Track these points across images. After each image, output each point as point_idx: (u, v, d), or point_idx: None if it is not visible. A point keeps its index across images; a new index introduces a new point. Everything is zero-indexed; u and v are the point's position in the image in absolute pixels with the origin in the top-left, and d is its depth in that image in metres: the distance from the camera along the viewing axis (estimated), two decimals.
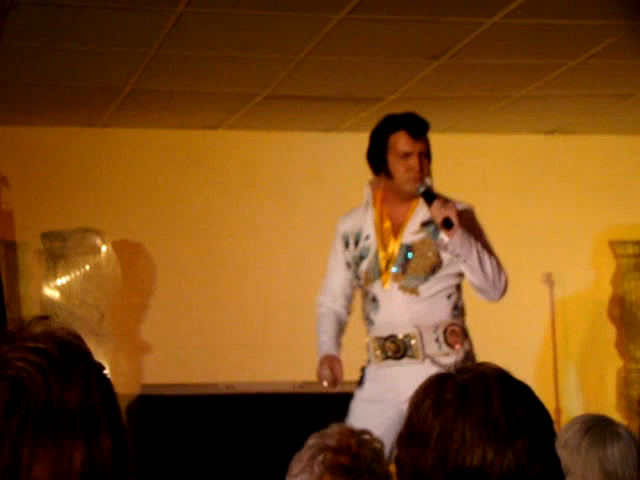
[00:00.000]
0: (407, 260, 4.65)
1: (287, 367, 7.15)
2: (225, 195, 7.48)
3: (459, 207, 4.61)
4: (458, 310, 4.74)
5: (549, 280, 7.40)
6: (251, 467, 6.46)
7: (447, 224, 4.46)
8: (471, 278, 4.64)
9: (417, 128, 4.73)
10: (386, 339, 4.65)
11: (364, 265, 4.74)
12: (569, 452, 2.79)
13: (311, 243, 7.35)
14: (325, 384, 4.77)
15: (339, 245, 4.85)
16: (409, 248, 4.67)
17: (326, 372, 4.73)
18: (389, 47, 5.91)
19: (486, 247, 4.65)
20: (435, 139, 7.43)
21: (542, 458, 1.79)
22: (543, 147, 7.83)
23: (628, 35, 5.76)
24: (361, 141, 7.44)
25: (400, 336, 4.63)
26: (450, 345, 4.62)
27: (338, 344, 4.84)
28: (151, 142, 7.38)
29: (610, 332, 7.61)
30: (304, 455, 2.79)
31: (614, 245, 7.49)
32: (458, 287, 4.74)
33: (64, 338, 1.45)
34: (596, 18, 5.57)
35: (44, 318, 1.47)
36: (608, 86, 6.81)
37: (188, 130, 7.40)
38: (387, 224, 4.75)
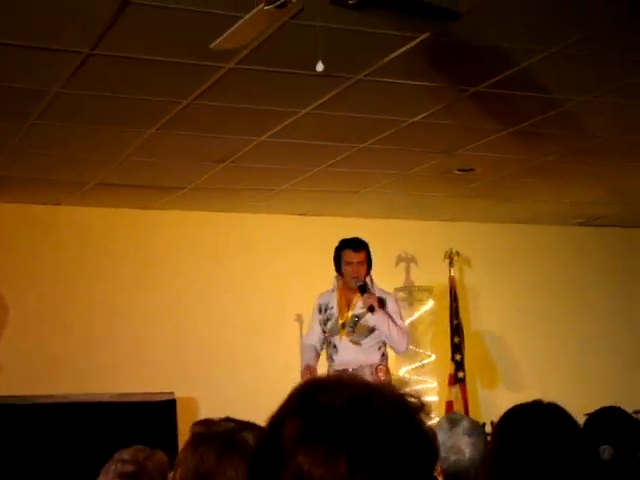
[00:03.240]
0: (355, 324, 5.53)
1: (109, 381, 6.99)
2: (65, 254, 7.22)
3: (383, 295, 5.59)
4: (384, 356, 5.57)
5: (299, 319, 7.38)
6: (79, 461, 6.22)
7: (371, 309, 5.43)
8: (384, 338, 5.51)
9: (355, 246, 5.56)
10: (341, 371, 5.44)
11: (329, 324, 5.62)
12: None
13: (124, 289, 7.27)
14: None
15: (316, 311, 5.73)
16: (357, 317, 5.54)
17: (307, 376, 5.34)
18: (188, 153, 5.90)
19: (395, 321, 5.53)
20: (224, 218, 7.52)
21: None
22: (297, 225, 7.85)
23: (361, 150, 5.94)
24: (168, 217, 7.51)
25: (350, 370, 5.43)
26: (378, 377, 5.43)
27: (315, 360, 5.70)
28: (7, 214, 7.08)
29: None
30: (106, 464, 2.74)
31: None
32: (384, 343, 5.58)
33: None
34: (330, 140, 5.74)
35: None
36: (342, 185, 6.95)
37: (38, 205, 7.14)
38: (343, 301, 5.63)
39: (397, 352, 5.68)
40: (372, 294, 5.52)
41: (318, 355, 5.74)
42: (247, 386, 7.29)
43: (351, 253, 5.55)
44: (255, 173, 6.46)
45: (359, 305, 5.60)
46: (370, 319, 5.48)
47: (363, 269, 5.56)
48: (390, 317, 5.54)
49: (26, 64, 4.17)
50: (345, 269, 5.57)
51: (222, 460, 1.83)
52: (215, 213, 7.57)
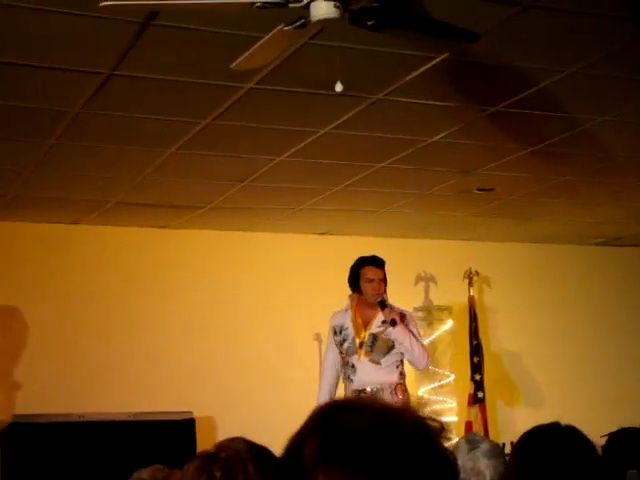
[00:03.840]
0: (374, 343, 5.52)
1: (127, 400, 6.96)
2: (83, 273, 7.21)
3: (401, 311, 5.58)
4: (402, 375, 5.59)
5: (318, 338, 7.32)
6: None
7: (393, 323, 5.42)
8: (405, 354, 5.51)
9: (377, 263, 5.55)
10: (361, 391, 5.50)
11: (345, 345, 5.61)
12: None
13: (142, 308, 7.23)
14: None
15: (331, 334, 5.72)
16: (375, 336, 5.53)
17: None
18: (207, 173, 5.91)
19: (415, 337, 5.54)
20: (243, 237, 7.42)
21: None
22: (316, 244, 7.85)
23: (380, 170, 5.94)
24: (187, 236, 7.45)
25: (369, 390, 5.49)
26: (397, 396, 5.44)
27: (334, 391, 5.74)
28: (27, 233, 7.09)
29: None
30: None
31: None
32: (402, 361, 5.59)
33: None
34: (349, 160, 5.73)
35: None
36: (362, 204, 6.93)
37: (56, 224, 7.11)
38: (359, 320, 5.62)
39: (417, 368, 5.68)
40: (393, 308, 5.53)
41: (335, 387, 5.77)
42: (266, 406, 7.27)
43: (373, 270, 5.55)
44: (274, 192, 6.46)
45: (376, 323, 5.57)
46: (391, 333, 5.46)
47: (383, 287, 5.57)
48: (411, 332, 5.54)
49: (47, 85, 4.17)
50: (365, 287, 5.56)
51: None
52: (233, 232, 7.55)
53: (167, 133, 5.00)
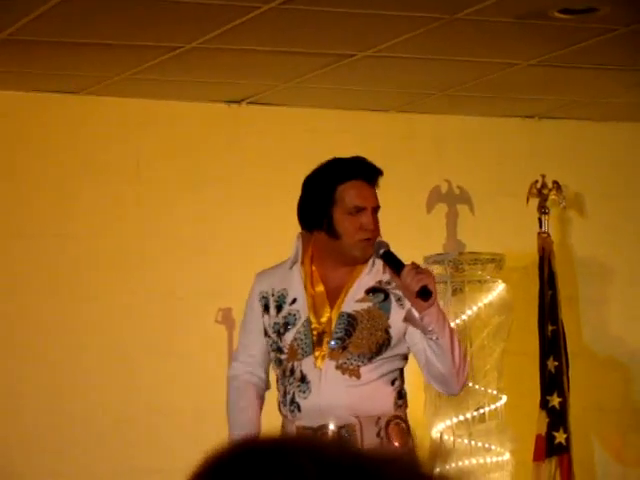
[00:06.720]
0: (349, 333, 5.39)
1: None
2: None
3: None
4: (402, 399, 5.42)
5: (227, 318, 7.50)
6: None
7: (424, 293, 5.16)
8: (435, 362, 5.29)
9: (373, 176, 5.42)
10: (316, 430, 5.33)
11: (289, 335, 5.42)
12: None
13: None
14: None
15: (255, 305, 5.55)
16: (351, 319, 5.40)
17: None
18: None
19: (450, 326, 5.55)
20: (54, 103, 7.71)
21: None
22: (225, 124, 7.94)
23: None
24: None
25: (333, 427, 5.32)
26: (391, 440, 5.31)
27: (257, 418, 5.49)
28: None
29: None
30: None
31: None
32: (402, 372, 5.46)
33: None
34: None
35: None
36: (320, 42, 6.99)
37: None
38: (320, 287, 5.49)
39: (450, 390, 5.58)
40: (420, 267, 5.41)
41: (262, 399, 5.63)
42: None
43: (365, 188, 5.45)
44: (132, 9, 6.35)
45: (355, 293, 5.44)
46: (426, 316, 5.24)
47: (378, 221, 5.49)
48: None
49: None
50: (348, 224, 5.45)
51: None
52: (39, 94, 7.57)
53: None
